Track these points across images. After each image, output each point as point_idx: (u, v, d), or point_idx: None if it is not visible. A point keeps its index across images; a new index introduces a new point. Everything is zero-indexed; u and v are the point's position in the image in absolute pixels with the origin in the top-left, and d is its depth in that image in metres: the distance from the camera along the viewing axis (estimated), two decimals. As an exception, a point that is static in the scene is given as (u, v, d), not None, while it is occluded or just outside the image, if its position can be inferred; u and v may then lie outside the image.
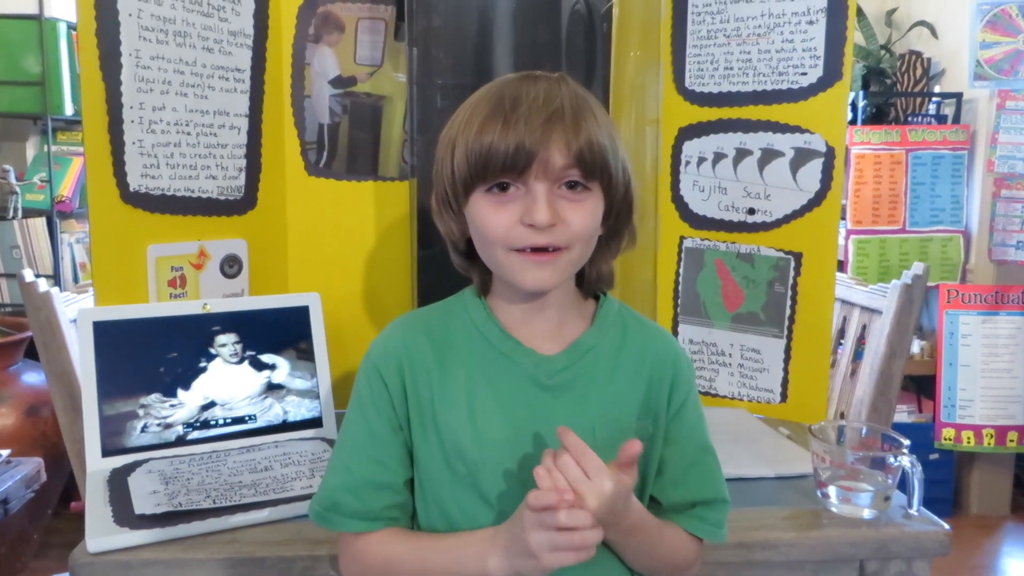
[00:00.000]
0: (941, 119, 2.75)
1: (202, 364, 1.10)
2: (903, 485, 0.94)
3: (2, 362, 2.15)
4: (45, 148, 2.61)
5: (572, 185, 0.72)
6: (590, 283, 0.80)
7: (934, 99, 2.80)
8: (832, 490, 0.95)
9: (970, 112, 2.71)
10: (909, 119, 2.79)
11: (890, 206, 2.73)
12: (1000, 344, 2.61)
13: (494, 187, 0.72)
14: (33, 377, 2.20)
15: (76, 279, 2.68)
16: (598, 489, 0.67)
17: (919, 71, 2.88)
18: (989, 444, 2.61)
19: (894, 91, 2.86)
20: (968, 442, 2.61)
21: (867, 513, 0.93)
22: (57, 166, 2.64)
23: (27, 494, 1.68)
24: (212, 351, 1.10)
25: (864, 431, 1.00)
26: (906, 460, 0.91)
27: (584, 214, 0.72)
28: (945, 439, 2.63)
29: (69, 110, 2.55)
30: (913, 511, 0.94)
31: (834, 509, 0.95)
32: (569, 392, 0.77)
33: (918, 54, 2.88)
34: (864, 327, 1.53)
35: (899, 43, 2.97)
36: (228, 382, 1.11)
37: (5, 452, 1.69)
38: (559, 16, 1.25)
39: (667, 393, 0.79)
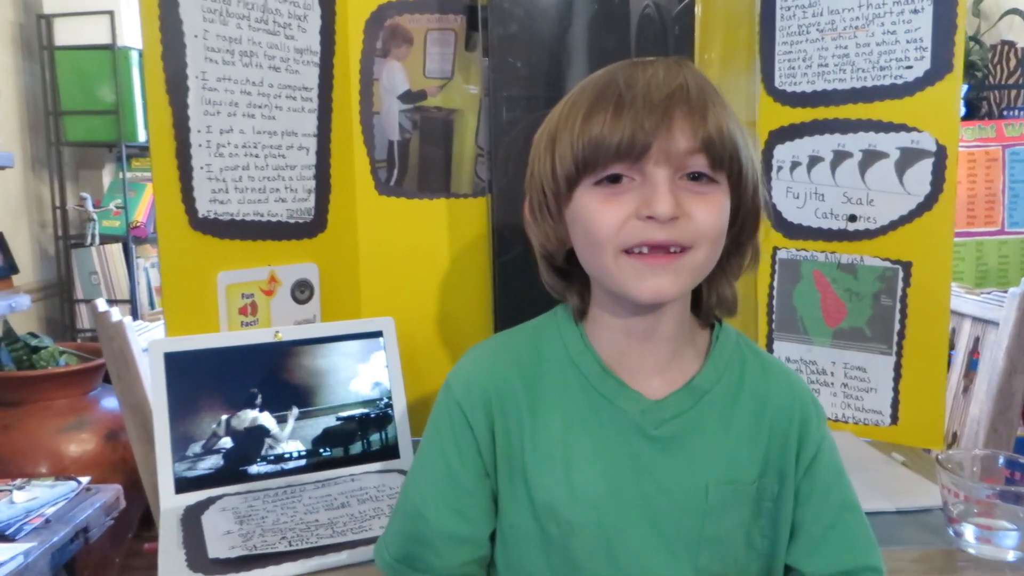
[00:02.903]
0: (1040, 112, 2.58)
1: (276, 389, 1.05)
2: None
3: (82, 388, 2.17)
4: (120, 175, 2.66)
5: (696, 177, 0.62)
6: (709, 308, 0.70)
7: (1031, 91, 2.62)
8: (968, 528, 0.85)
9: (1072, 103, 2.53)
10: (1004, 113, 2.62)
11: (987, 206, 2.56)
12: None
13: (604, 179, 0.62)
14: (112, 402, 2.21)
15: (152, 303, 2.72)
16: None
17: (1012, 62, 2.71)
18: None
19: (986, 84, 2.69)
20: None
21: (1012, 555, 0.83)
22: (132, 192, 2.69)
23: (107, 521, 1.67)
24: (285, 378, 1.06)
25: (1001, 460, 0.89)
26: (1057, 497, 0.80)
27: (712, 208, 0.62)
28: (1056, 455, 2.44)
29: (142, 137, 2.60)
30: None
31: (972, 551, 0.84)
32: (679, 445, 0.66)
33: (1011, 44, 2.71)
34: (977, 339, 1.41)
35: (989, 33, 2.80)
36: (304, 401, 1.06)
37: (85, 479, 1.69)
38: (627, 21, 1.18)
39: (794, 448, 0.69)
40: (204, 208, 1.06)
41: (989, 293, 1.46)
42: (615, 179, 0.62)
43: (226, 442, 1.02)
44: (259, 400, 1.04)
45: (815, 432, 0.70)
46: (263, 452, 1.03)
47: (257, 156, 1.10)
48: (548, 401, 0.68)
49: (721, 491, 0.66)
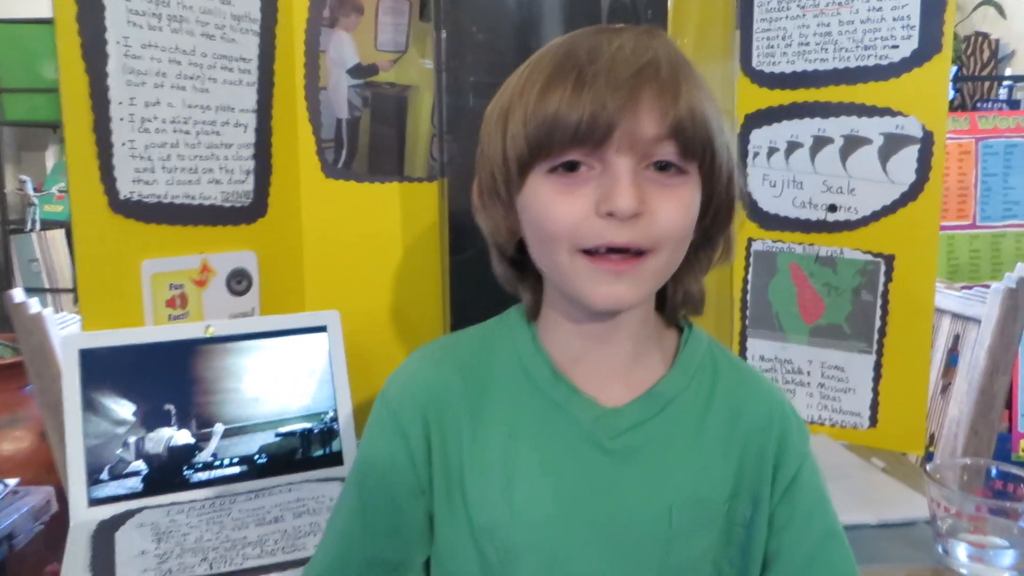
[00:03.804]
0: (1013, 104, 2.54)
1: (205, 395, 0.95)
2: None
3: (16, 382, 2.04)
4: (64, 157, 2.52)
5: (664, 167, 0.54)
6: (674, 306, 0.63)
7: (1005, 83, 2.59)
8: (960, 546, 0.78)
9: (1046, 96, 2.50)
10: (978, 105, 2.58)
11: (959, 200, 2.52)
12: (1086, 348, 2.39)
13: (560, 166, 0.54)
14: (50, 397, 2.09)
15: (97, 292, 2.59)
16: None
17: (986, 53, 2.68)
18: (1073, 456, 2.39)
19: (960, 75, 2.65)
20: (1050, 454, 2.40)
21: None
22: (76, 175, 2.55)
23: (36, 527, 1.56)
24: (216, 379, 0.96)
25: (994, 471, 0.82)
26: (1055, 512, 0.74)
27: (677, 205, 0.54)
28: (1023, 450, 2.42)
29: (87, 117, 2.46)
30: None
31: (964, 570, 0.77)
32: (639, 459, 0.59)
33: (984, 35, 2.68)
34: (957, 337, 1.35)
35: (963, 24, 2.76)
36: (235, 411, 0.96)
37: (12, 482, 1.57)
38: (599, 3, 1.10)
39: (771, 468, 0.61)
40: (126, 189, 0.95)
41: (970, 288, 1.40)
42: (572, 167, 0.54)
43: (149, 448, 0.92)
44: (174, 417, 0.93)
45: (795, 450, 0.62)
46: (191, 459, 0.93)
47: (188, 133, 1.00)
48: (493, 410, 0.60)
49: (687, 512, 0.58)
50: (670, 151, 0.54)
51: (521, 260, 0.62)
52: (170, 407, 0.93)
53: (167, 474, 0.92)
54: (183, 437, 0.93)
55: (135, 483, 0.91)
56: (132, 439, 0.91)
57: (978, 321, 1.30)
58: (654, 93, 0.52)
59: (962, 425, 1.26)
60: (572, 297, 0.57)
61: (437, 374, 0.62)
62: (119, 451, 0.91)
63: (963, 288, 1.55)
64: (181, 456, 0.93)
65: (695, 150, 0.54)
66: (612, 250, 0.53)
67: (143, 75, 0.95)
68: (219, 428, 0.95)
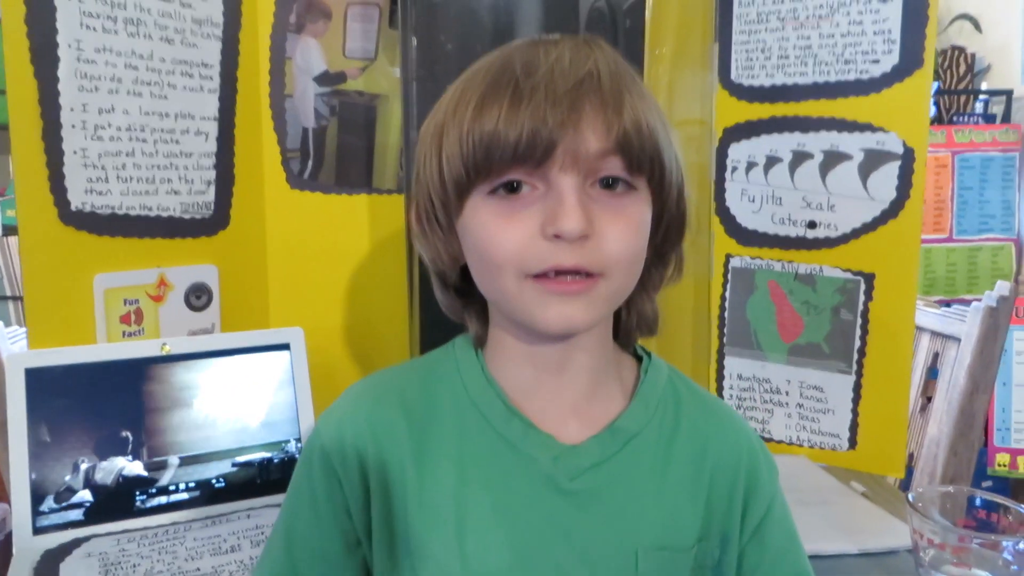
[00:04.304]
0: (989, 119, 2.55)
1: (160, 419, 0.91)
2: None
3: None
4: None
5: (610, 184, 0.51)
6: (629, 329, 0.59)
7: (981, 97, 2.60)
8: (942, 581, 0.75)
9: (1021, 110, 2.51)
10: (955, 119, 2.58)
11: (935, 213, 2.52)
12: (1060, 362, 2.39)
13: (500, 187, 0.51)
14: (9, 409, 2.03)
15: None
16: None
17: (963, 68, 2.68)
18: (1048, 470, 2.39)
19: (937, 89, 2.65)
20: (1025, 468, 2.40)
21: (992, 612, 0.73)
22: (40, 180, 2.48)
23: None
24: (172, 400, 0.92)
25: (978, 501, 0.80)
26: (1041, 546, 0.71)
27: (627, 225, 0.51)
28: (999, 465, 2.41)
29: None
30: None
31: (947, 605, 0.75)
32: (601, 501, 0.55)
33: (961, 49, 2.69)
34: (936, 355, 1.34)
35: (939, 38, 2.77)
36: (191, 438, 0.92)
37: (-35, 500, 1.51)
38: (576, 14, 1.07)
39: (740, 506, 0.58)
40: (78, 200, 0.91)
41: (947, 302, 1.39)
42: (514, 188, 0.51)
43: (99, 473, 0.87)
44: (127, 444, 0.89)
45: (766, 487, 0.59)
46: (143, 485, 0.89)
47: (145, 141, 0.96)
48: (440, 449, 0.56)
49: (654, 557, 0.55)
50: (616, 166, 0.50)
51: (466, 288, 0.58)
52: (124, 432, 0.89)
53: (118, 500, 0.88)
54: (135, 468, 0.88)
55: (83, 510, 0.86)
56: (82, 466, 0.86)
57: (958, 339, 1.28)
58: (596, 106, 0.49)
59: (942, 445, 1.25)
60: (522, 323, 0.53)
61: (376, 411, 0.57)
62: (67, 477, 0.86)
63: (940, 302, 1.53)
64: (133, 484, 0.88)
65: (643, 164, 0.51)
66: (561, 272, 0.50)
67: (96, 80, 0.90)
68: (174, 460, 0.90)
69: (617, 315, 0.59)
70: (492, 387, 0.57)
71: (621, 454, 0.56)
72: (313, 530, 0.56)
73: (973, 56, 2.66)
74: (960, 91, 2.64)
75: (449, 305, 0.61)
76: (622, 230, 0.51)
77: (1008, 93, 2.51)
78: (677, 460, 0.57)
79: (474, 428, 0.56)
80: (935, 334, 1.32)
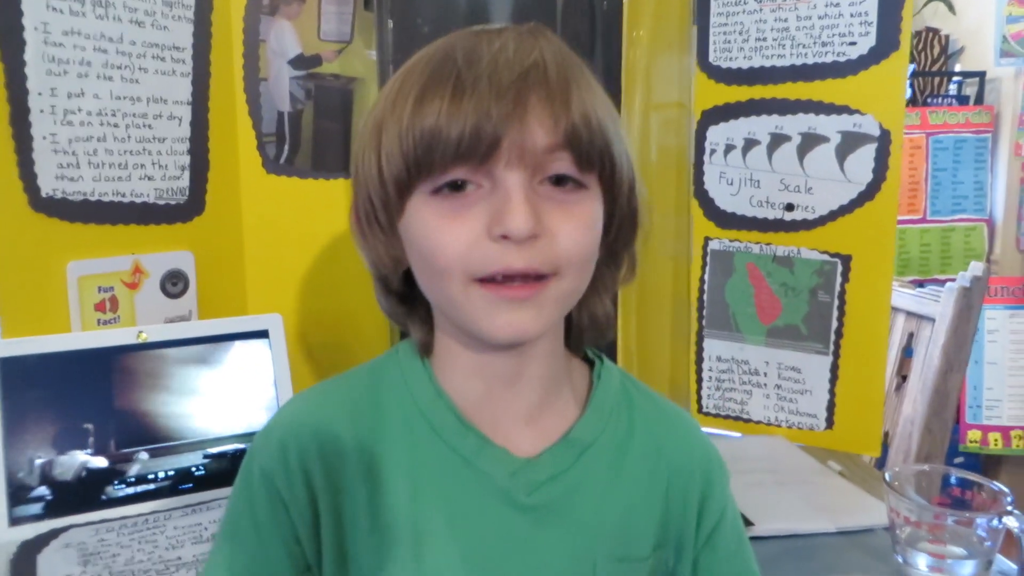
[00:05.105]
0: (963, 100, 2.56)
1: (137, 405, 0.90)
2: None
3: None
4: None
5: (559, 181, 0.48)
6: (580, 332, 0.57)
7: (955, 79, 2.61)
8: (919, 557, 0.76)
9: (994, 92, 2.53)
10: (928, 101, 2.60)
11: (909, 194, 2.55)
12: (1030, 340, 2.43)
13: (444, 186, 0.48)
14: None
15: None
16: None
17: (936, 49, 2.70)
18: (1018, 446, 2.44)
19: (912, 71, 2.67)
20: (995, 444, 2.44)
21: (967, 587, 0.75)
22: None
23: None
24: (148, 389, 0.91)
25: (952, 479, 0.81)
26: (1014, 523, 0.72)
27: (578, 224, 0.49)
28: (971, 442, 2.46)
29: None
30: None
31: (923, 582, 0.76)
32: (559, 515, 0.53)
33: (935, 31, 2.70)
34: (911, 335, 1.35)
35: (914, 20, 2.79)
36: (170, 426, 0.91)
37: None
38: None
39: (695, 513, 0.57)
40: (49, 186, 0.89)
41: (920, 283, 1.40)
42: (458, 186, 0.48)
43: (75, 463, 0.86)
44: (103, 432, 0.87)
45: (719, 494, 0.59)
46: (122, 473, 0.88)
47: (116, 126, 0.94)
48: (390, 466, 0.53)
49: (612, 569, 0.54)
50: (565, 162, 0.48)
51: (409, 292, 0.55)
52: (100, 421, 0.88)
53: (96, 490, 0.87)
54: (114, 457, 0.87)
55: (60, 500, 0.85)
56: (58, 456, 0.85)
57: (932, 319, 1.30)
58: (542, 98, 0.47)
59: (916, 424, 1.27)
60: (469, 331, 0.51)
61: (322, 428, 0.53)
62: (44, 467, 0.85)
63: (913, 282, 1.54)
64: (111, 473, 0.87)
65: (592, 159, 0.49)
66: (509, 277, 0.48)
67: (65, 64, 0.89)
68: (151, 449, 0.89)
69: (568, 319, 0.56)
70: (442, 399, 0.54)
71: (577, 465, 0.54)
72: (258, 560, 0.53)
73: (947, 38, 2.68)
74: (934, 73, 2.66)
75: (392, 310, 0.57)
76: (573, 229, 0.49)
77: (981, 75, 2.53)
78: (631, 467, 0.56)
79: (425, 442, 0.53)
80: (910, 314, 1.34)
